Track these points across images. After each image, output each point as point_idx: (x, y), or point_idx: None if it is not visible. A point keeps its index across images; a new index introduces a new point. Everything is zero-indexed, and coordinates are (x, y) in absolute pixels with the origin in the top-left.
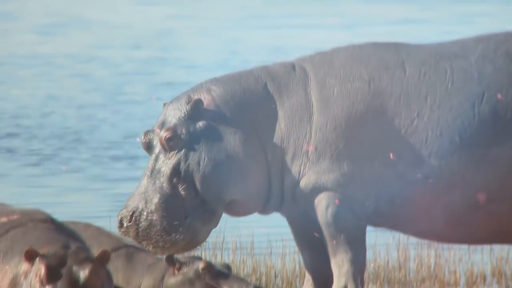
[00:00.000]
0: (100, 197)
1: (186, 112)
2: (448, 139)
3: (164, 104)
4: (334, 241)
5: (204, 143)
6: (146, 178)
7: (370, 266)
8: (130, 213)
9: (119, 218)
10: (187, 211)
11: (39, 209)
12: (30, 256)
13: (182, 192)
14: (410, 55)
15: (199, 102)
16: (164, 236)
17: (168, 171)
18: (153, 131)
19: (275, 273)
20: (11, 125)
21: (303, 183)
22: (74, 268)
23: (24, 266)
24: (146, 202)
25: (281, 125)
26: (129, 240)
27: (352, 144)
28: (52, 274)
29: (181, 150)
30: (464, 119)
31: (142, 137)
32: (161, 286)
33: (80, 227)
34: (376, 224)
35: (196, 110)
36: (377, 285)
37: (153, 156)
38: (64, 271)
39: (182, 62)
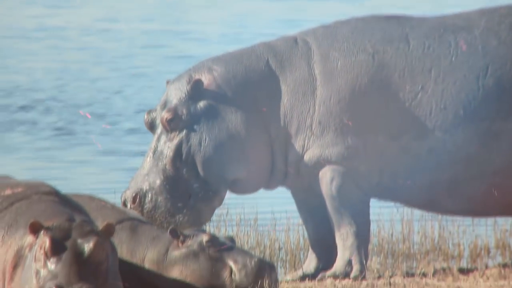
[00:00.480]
0: (112, 171)
1: (186, 93)
2: (452, 112)
3: (167, 82)
4: (339, 214)
5: (205, 123)
6: (149, 158)
7: (374, 239)
8: (134, 195)
9: (122, 200)
10: (190, 192)
11: (43, 181)
12: (35, 229)
13: (185, 174)
14: (414, 28)
15: (199, 82)
16: (169, 218)
17: (171, 153)
18: (155, 110)
19: (279, 246)
20: (25, 98)
21: (307, 156)
22: (79, 240)
23: (29, 238)
24: (149, 184)
25: (284, 100)
26: (133, 212)
27: (356, 117)
28: (57, 247)
29: (182, 131)
30: (468, 92)
31: (145, 116)
32: (165, 258)
33: (84, 200)
34: (380, 197)
35: (196, 90)
36: (381, 257)
37: (156, 136)
38: (68, 243)
39: (193, 34)
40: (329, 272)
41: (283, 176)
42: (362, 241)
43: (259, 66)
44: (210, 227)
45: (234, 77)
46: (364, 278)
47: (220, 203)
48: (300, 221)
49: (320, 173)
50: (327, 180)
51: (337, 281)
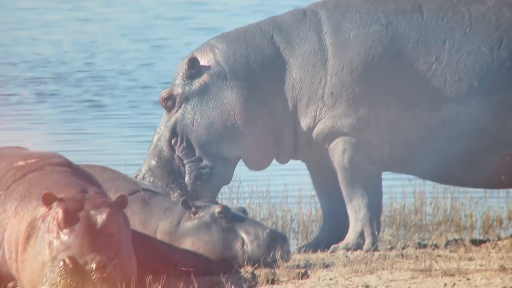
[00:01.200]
0: (139, 143)
1: (184, 72)
2: (467, 84)
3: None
4: (350, 186)
5: (199, 102)
6: (154, 139)
7: (386, 210)
8: (134, 176)
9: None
10: (184, 171)
11: (56, 152)
12: (48, 200)
13: (180, 153)
14: None
15: (193, 60)
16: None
17: (167, 134)
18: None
19: (291, 217)
20: (52, 70)
21: (318, 128)
22: (92, 212)
23: (42, 210)
24: (148, 165)
25: (292, 74)
26: (146, 184)
27: (368, 88)
28: (70, 218)
29: (178, 110)
30: (482, 64)
31: (160, 95)
32: (177, 230)
33: (96, 171)
34: (392, 169)
35: (192, 68)
36: (393, 229)
37: (163, 116)
38: (81, 215)
39: (215, 6)
40: (341, 244)
41: (292, 150)
42: (374, 213)
43: (262, 43)
44: (222, 199)
45: (234, 54)
46: (376, 249)
47: (224, 181)
48: (312, 192)
49: (332, 145)
50: (339, 151)
51: (349, 252)
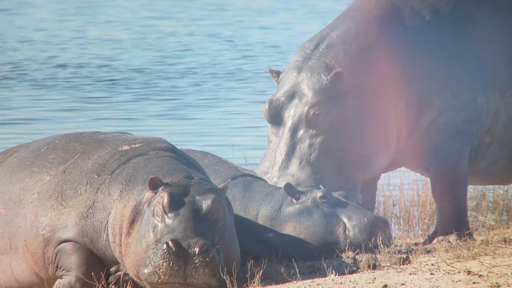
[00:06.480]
0: None
1: (326, 86)
2: None
3: (272, 72)
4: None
5: (346, 120)
6: (282, 152)
7: (488, 195)
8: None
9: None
10: (332, 188)
11: (160, 137)
12: (154, 185)
13: (328, 171)
14: None
15: (339, 75)
16: None
17: (316, 151)
18: (279, 101)
19: (393, 202)
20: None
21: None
22: (197, 197)
23: (147, 194)
24: (293, 179)
25: (417, 69)
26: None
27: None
28: (175, 202)
29: (325, 129)
30: None
31: (267, 106)
32: (278, 214)
33: (197, 156)
34: None
35: (336, 84)
36: (496, 214)
37: (286, 130)
38: (187, 200)
39: None
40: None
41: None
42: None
43: (402, 35)
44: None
45: (366, 59)
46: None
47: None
48: (414, 177)
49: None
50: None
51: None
